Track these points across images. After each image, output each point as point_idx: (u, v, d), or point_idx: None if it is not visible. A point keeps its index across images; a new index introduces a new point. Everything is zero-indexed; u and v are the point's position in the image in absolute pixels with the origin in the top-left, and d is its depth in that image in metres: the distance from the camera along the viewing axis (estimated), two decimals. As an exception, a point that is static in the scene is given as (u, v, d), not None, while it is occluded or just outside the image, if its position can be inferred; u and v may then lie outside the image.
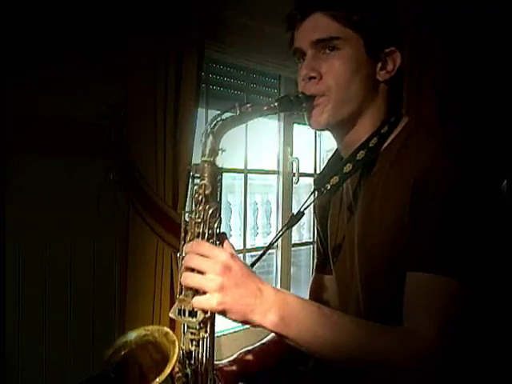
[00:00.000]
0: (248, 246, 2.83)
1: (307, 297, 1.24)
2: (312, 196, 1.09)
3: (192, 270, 0.81)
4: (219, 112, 0.86)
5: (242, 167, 2.68)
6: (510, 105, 2.89)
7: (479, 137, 0.96)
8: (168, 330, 0.86)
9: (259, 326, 0.81)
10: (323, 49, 0.95)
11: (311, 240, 3.30)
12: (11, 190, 1.79)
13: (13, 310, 1.81)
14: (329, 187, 0.99)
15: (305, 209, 1.05)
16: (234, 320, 0.81)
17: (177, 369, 0.85)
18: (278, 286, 2.91)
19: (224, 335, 2.53)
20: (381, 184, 0.95)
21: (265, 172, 2.97)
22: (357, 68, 0.94)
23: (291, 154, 2.94)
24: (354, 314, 1.00)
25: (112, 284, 2.07)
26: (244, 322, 0.81)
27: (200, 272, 0.80)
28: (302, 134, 3.18)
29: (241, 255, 2.73)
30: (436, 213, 0.84)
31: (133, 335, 0.88)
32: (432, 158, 0.87)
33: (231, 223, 2.98)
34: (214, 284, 0.78)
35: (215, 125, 0.85)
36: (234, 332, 2.61)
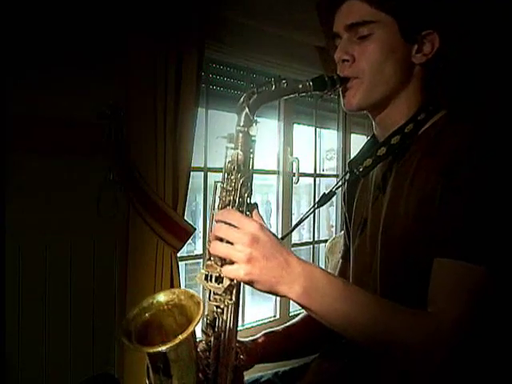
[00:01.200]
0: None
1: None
2: (344, 177, 1.10)
3: (221, 238, 0.82)
4: (255, 87, 0.88)
5: (242, 167, 2.67)
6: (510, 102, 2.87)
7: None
8: (194, 292, 0.87)
9: (284, 296, 0.83)
10: (356, 33, 0.97)
11: (311, 240, 3.30)
12: (11, 190, 1.79)
13: (13, 310, 1.81)
14: (361, 169, 1.00)
15: (336, 189, 1.07)
16: (261, 290, 0.82)
17: (200, 336, 0.86)
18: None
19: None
20: (412, 171, 0.96)
21: (265, 172, 2.98)
22: (390, 51, 0.95)
23: (291, 154, 2.94)
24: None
25: (112, 284, 2.07)
26: (270, 292, 0.83)
27: (229, 242, 0.81)
28: (302, 134, 3.18)
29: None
30: (464, 201, 0.85)
31: (159, 297, 0.88)
32: (465, 149, 0.88)
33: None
34: (242, 255, 0.80)
35: (251, 97, 0.86)
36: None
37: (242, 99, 0.86)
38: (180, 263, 2.21)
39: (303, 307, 0.84)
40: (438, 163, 0.90)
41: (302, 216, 1.10)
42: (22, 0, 1.78)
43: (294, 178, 2.96)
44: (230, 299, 0.84)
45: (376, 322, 0.83)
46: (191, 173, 2.15)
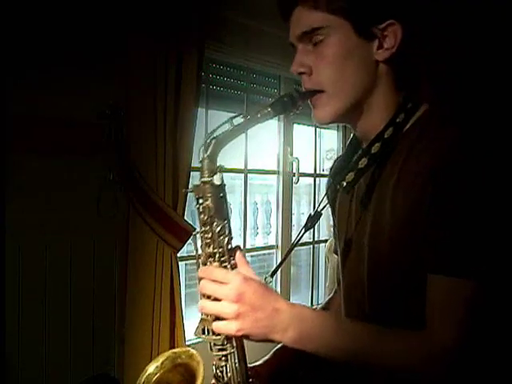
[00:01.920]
0: (248, 246, 2.83)
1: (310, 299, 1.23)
2: (328, 194, 1.08)
3: (208, 296, 0.82)
4: (211, 131, 0.84)
5: (242, 167, 2.68)
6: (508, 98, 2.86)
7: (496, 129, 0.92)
8: (193, 351, 0.88)
9: (279, 342, 0.83)
10: (310, 41, 0.91)
11: (311, 240, 3.30)
12: (11, 190, 1.79)
13: (13, 310, 1.81)
14: (344, 184, 0.95)
15: (322, 209, 1.03)
16: (255, 341, 0.82)
17: None
18: (278, 286, 2.91)
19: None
20: (395, 174, 0.90)
21: (265, 172, 2.98)
22: (348, 54, 0.89)
23: (291, 154, 2.94)
24: (357, 309, 0.99)
25: (112, 284, 2.07)
26: (264, 341, 0.82)
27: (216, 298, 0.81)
28: (302, 134, 3.18)
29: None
30: (456, 212, 0.81)
31: (162, 359, 0.90)
32: (456, 151, 0.82)
33: (231, 223, 2.97)
34: (230, 311, 0.79)
35: (209, 145, 0.82)
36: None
37: (202, 149, 0.82)
38: (180, 263, 2.22)
39: (300, 349, 0.84)
40: (423, 166, 0.84)
41: (293, 241, 1.06)
42: (22, 0, 1.78)
43: (293, 178, 2.96)
44: (232, 347, 0.84)
45: (373, 351, 0.82)
46: (191, 173, 2.15)
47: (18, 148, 1.79)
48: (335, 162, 1.15)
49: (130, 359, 2.03)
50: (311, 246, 3.31)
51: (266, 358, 1.09)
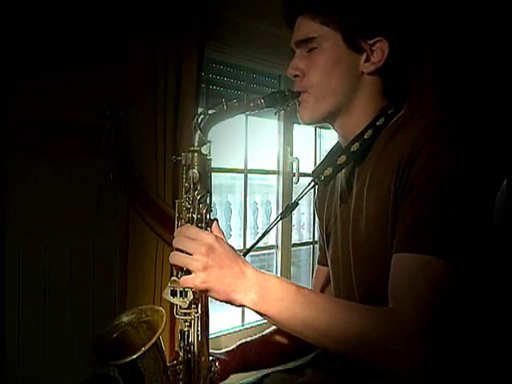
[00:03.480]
0: (248, 246, 2.83)
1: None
2: (308, 187, 1.13)
3: (181, 251, 0.85)
4: (205, 107, 0.92)
5: (242, 167, 2.67)
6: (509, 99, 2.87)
7: (474, 127, 0.96)
8: (160, 308, 0.94)
9: (240, 305, 0.85)
10: (306, 48, 1.01)
11: (311, 240, 3.30)
12: (11, 190, 1.79)
13: (13, 310, 1.81)
14: (322, 178, 1.03)
15: (299, 199, 1.10)
16: (217, 299, 0.85)
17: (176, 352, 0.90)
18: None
19: (224, 335, 2.53)
20: (370, 171, 0.97)
21: (265, 172, 2.97)
22: (336, 62, 0.98)
23: (291, 154, 2.94)
24: (347, 293, 1.03)
25: (112, 284, 2.07)
26: (226, 301, 0.86)
27: (188, 253, 0.84)
28: (302, 134, 3.18)
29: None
30: (417, 192, 0.85)
31: (128, 314, 0.95)
32: (416, 139, 0.88)
33: (231, 223, 2.98)
34: (198, 264, 0.82)
35: (202, 120, 0.89)
36: (234, 332, 2.61)
37: (193, 123, 0.89)
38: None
39: (261, 315, 0.86)
40: (392, 158, 0.91)
41: (266, 228, 1.13)
42: (23, 0, 1.78)
43: (293, 178, 2.96)
44: (196, 312, 0.87)
45: (335, 323, 0.83)
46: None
47: (18, 148, 1.79)
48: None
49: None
50: (311, 245, 3.31)
51: (230, 348, 1.14)
